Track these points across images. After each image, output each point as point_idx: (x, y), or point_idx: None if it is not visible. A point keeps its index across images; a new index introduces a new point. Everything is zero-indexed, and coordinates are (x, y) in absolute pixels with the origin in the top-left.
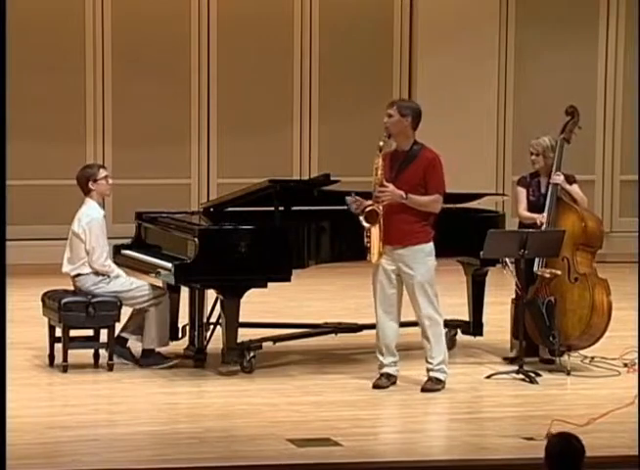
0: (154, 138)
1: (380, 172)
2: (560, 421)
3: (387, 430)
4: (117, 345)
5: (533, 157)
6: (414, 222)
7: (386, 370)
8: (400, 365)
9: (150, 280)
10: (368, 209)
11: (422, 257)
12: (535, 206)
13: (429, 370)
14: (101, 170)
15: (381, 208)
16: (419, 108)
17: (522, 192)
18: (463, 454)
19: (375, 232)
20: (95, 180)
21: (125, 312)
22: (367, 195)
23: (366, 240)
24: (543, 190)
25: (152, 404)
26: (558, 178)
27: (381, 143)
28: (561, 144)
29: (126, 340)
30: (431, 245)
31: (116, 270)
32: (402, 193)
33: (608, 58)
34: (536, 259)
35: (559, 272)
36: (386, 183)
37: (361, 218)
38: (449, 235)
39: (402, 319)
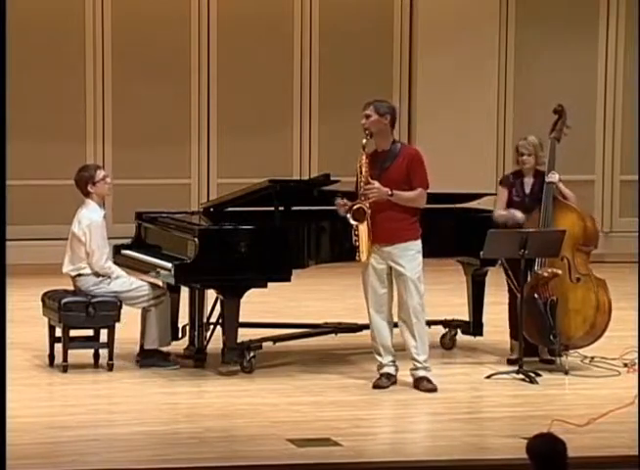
0: (154, 138)
1: (365, 170)
2: (560, 421)
3: (386, 430)
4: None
5: (525, 157)
6: (402, 220)
7: (386, 370)
8: (399, 365)
9: (150, 280)
10: (355, 206)
11: (411, 254)
12: (520, 207)
13: (415, 369)
14: (98, 172)
15: (368, 205)
16: (395, 107)
17: (503, 193)
18: (463, 454)
19: (363, 230)
20: (94, 183)
21: (125, 312)
22: (352, 195)
23: (354, 239)
24: (527, 190)
25: (152, 404)
26: (554, 177)
27: (364, 141)
28: (552, 144)
29: (153, 350)
30: (419, 242)
31: (117, 271)
32: (388, 190)
33: (608, 58)
34: (536, 259)
35: (559, 272)
36: (371, 180)
37: (348, 216)
38: (449, 235)
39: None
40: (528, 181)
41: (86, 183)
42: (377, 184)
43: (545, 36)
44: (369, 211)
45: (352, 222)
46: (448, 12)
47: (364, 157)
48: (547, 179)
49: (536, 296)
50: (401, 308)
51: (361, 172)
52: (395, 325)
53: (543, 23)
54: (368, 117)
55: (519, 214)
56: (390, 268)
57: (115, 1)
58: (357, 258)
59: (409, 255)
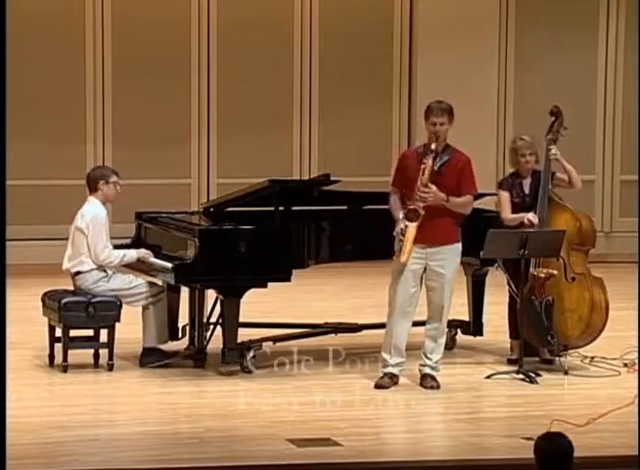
0: (154, 138)
1: (427, 173)
2: (560, 421)
3: (387, 430)
4: (147, 356)
5: (528, 157)
6: (447, 222)
7: (390, 370)
8: (405, 366)
9: (149, 279)
10: (410, 207)
11: (453, 256)
12: (520, 207)
13: (426, 366)
14: (114, 176)
15: (422, 207)
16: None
17: (505, 196)
18: (463, 454)
19: (411, 231)
20: (107, 181)
21: (125, 312)
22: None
23: (400, 239)
24: (527, 190)
25: (152, 404)
26: (555, 152)
27: (433, 145)
28: (548, 145)
29: (152, 348)
30: (460, 245)
31: (118, 258)
32: (444, 195)
33: (608, 58)
34: (532, 260)
35: (555, 272)
36: (430, 185)
37: (401, 216)
38: None
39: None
40: (526, 182)
41: (99, 179)
42: (434, 188)
43: (545, 37)
44: (423, 213)
45: (405, 223)
46: (448, 12)
47: (430, 160)
48: (549, 156)
49: (533, 298)
50: (431, 309)
51: (423, 174)
52: (418, 324)
53: (543, 24)
54: (442, 124)
55: (534, 221)
56: (424, 269)
57: (115, 1)
58: (396, 257)
59: (451, 257)
